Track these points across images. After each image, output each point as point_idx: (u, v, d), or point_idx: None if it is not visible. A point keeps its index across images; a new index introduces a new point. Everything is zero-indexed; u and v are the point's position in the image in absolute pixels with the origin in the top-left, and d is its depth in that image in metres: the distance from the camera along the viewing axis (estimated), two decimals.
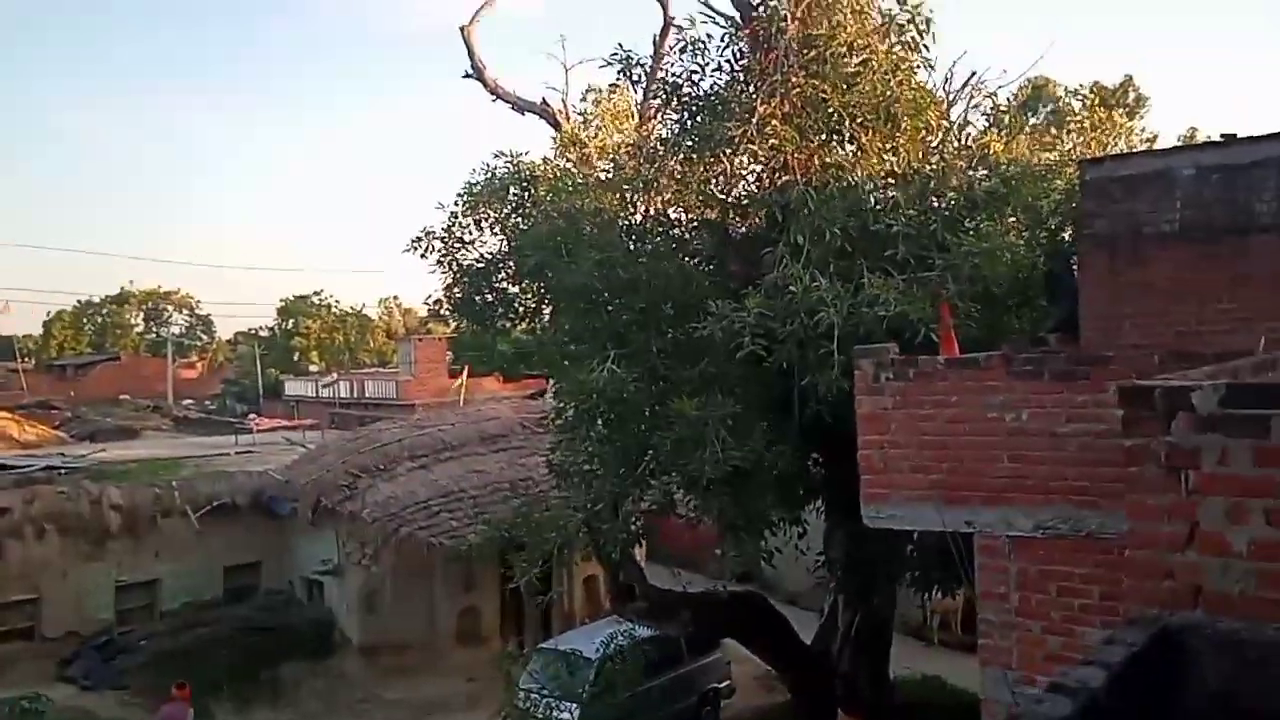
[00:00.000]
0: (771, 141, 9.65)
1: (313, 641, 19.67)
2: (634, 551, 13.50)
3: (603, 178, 11.60)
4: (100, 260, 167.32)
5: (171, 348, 74.33)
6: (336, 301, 79.50)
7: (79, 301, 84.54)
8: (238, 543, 20.88)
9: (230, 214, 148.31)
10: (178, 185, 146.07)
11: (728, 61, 10.30)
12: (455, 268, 13.38)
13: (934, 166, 10.17)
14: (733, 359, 9.08)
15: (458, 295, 13.56)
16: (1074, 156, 12.80)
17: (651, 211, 11.10)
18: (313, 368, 67.00)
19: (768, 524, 10.43)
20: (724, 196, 10.98)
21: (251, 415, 51.85)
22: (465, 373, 42.80)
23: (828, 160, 10.05)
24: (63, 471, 24.43)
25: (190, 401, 64.42)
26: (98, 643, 19.10)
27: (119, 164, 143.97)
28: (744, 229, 10.99)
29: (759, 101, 9.64)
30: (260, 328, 78.25)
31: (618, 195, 10.92)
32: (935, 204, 9.92)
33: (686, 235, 11.08)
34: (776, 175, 10.03)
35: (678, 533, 16.63)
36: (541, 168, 12.61)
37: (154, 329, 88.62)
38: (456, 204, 12.89)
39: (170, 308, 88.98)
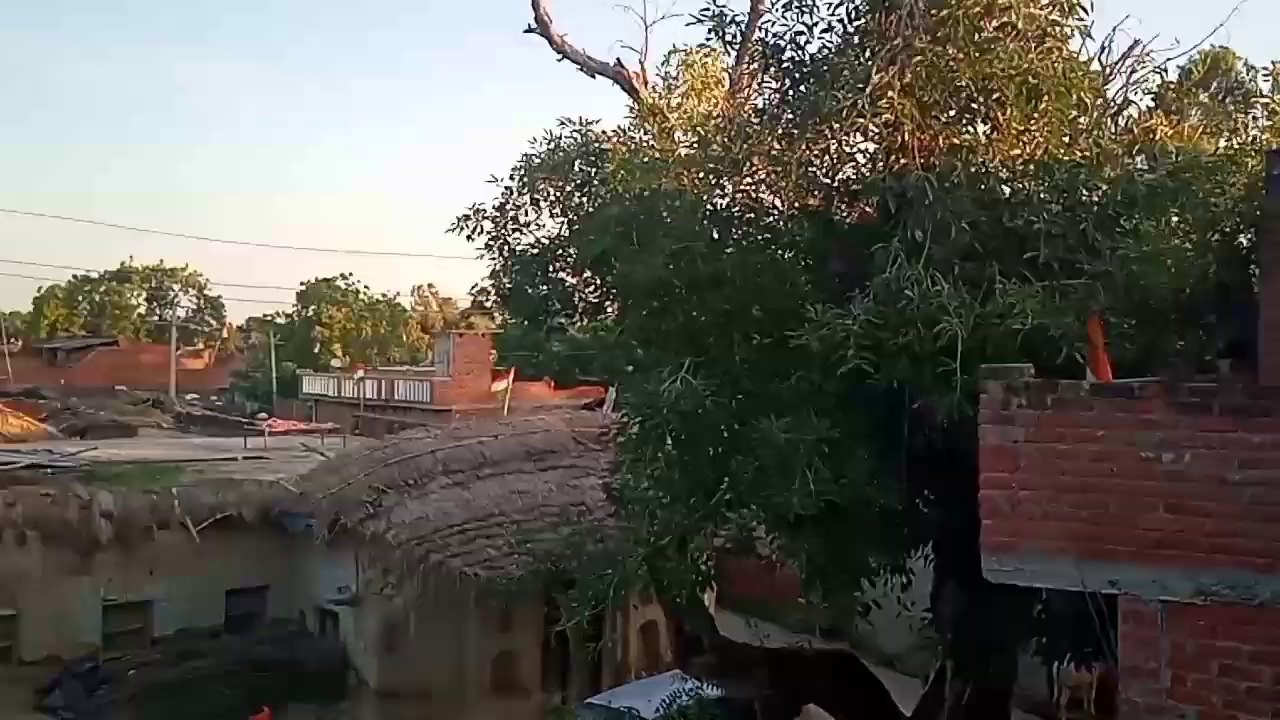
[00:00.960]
0: (886, 116, 9.57)
1: (323, 681, 20.00)
2: (703, 596, 13.49)
3: (685, 154, 11.62)
4: (100, 231, 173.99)
5: (176, 333, 76.26)
6: (365, 287, 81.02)
7: (74, 277, 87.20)
8: (243, 563, 21.32)
9: (249, 186, 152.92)
10: (192, 153, 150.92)
11: (840, 21, 10.22)
12: (506, 252, 13.53)
13: (1085, 153, 9.97)
14: (832, 374, 9.02)
15: (507, 285, 13.70)
16: (1259, 145, 12.46)
17: (741, 196, 11.10)
18: (335, 363, 68.20)
19: (865, 571, 10.34)
20: (829, 180, 10.90)
21: (263, 415, 52.97)
22: (511, 376, 43.23)
23: (955, 141, 9.92)
24: (50, 471, 25.11)
25: (195, 396, 66.02)
26: (81, 670, 19.61)
27: (127, 125, 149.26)
28: (851, 220, 10.91)
29: (874, 69, 9.56)
30: (277, 314, 79.94)
31: (702, 175, 10.94)
32: (1085, 198, 9.73)
33: (782, 225, 11.04)
34: (893, 157, 9.94)
35: (755, 576, 16.58)
36: (613, 139, 12.68)
37: (157, 311, 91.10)
38: (512, 178, 13.02)
39: (176, 287, 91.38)
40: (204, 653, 19.77)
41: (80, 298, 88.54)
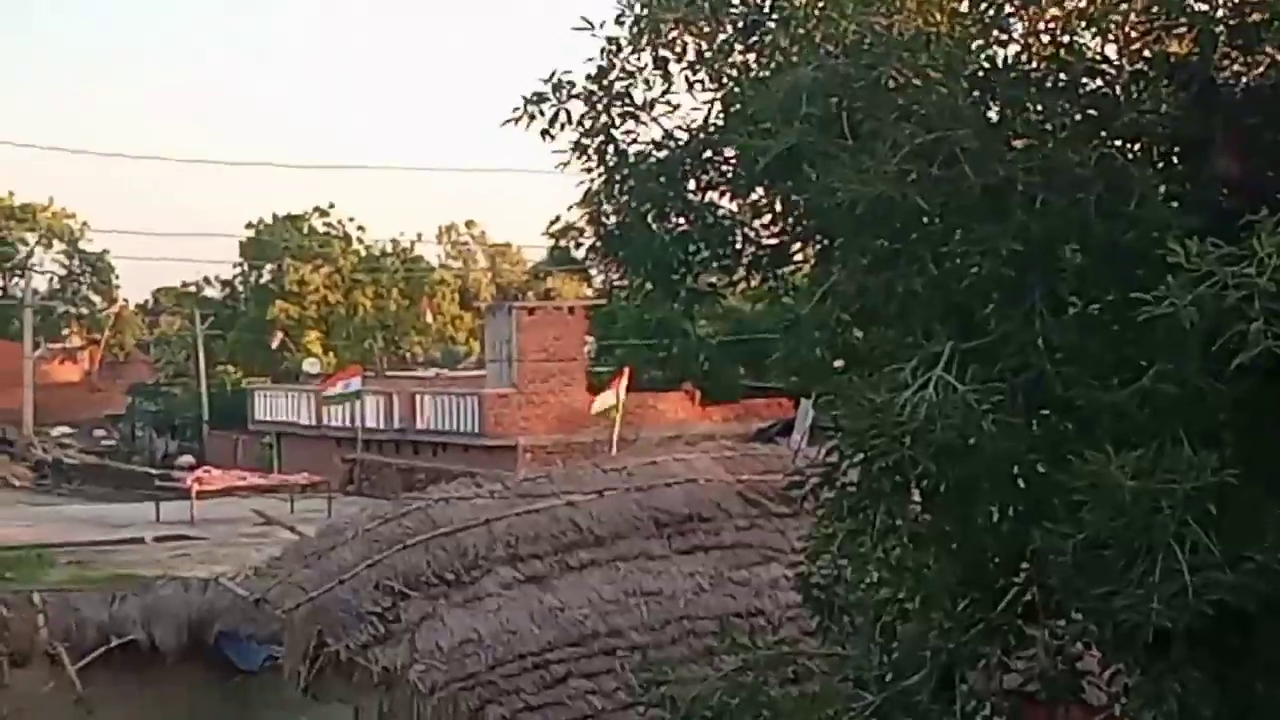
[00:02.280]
0: None
1: None
2: None
3: None
4: None
5: (31, 319, 78.41)
6: (359, 229, 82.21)
7: None
8: None
9: (150, 68, 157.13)
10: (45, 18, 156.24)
11: None
12: (611, 158, 13.59)
13: None
14: (1221, 369, 8.88)
15: (613, 216, 13.78)
16: None
17: (1041, 42, 11.01)
18: (310, 365, 69.29)
19: None
20: (1206, 7, 10.73)
21: (187, 460, 54.21)
22: (623, 381, 43.21)
23: None
24: None
25: (67, 429, 67.94)
26: None
27: None
28: (1251, 81, 10.72)
29: None
30: (207, 279, 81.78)
31: (968, 3, 10.85)
32: None
33: (1117, 93, 10.92)
34: None
35: None
36: None
37: None
38: (619, 23, 13.08)
39: (30, 238, 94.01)
40: None
41: None
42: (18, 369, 71.13)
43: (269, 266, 79.04)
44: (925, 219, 10.71)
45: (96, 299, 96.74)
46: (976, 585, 10.98)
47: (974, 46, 10.98)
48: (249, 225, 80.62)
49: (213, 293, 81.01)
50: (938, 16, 10.86)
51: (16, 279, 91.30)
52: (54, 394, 75.74)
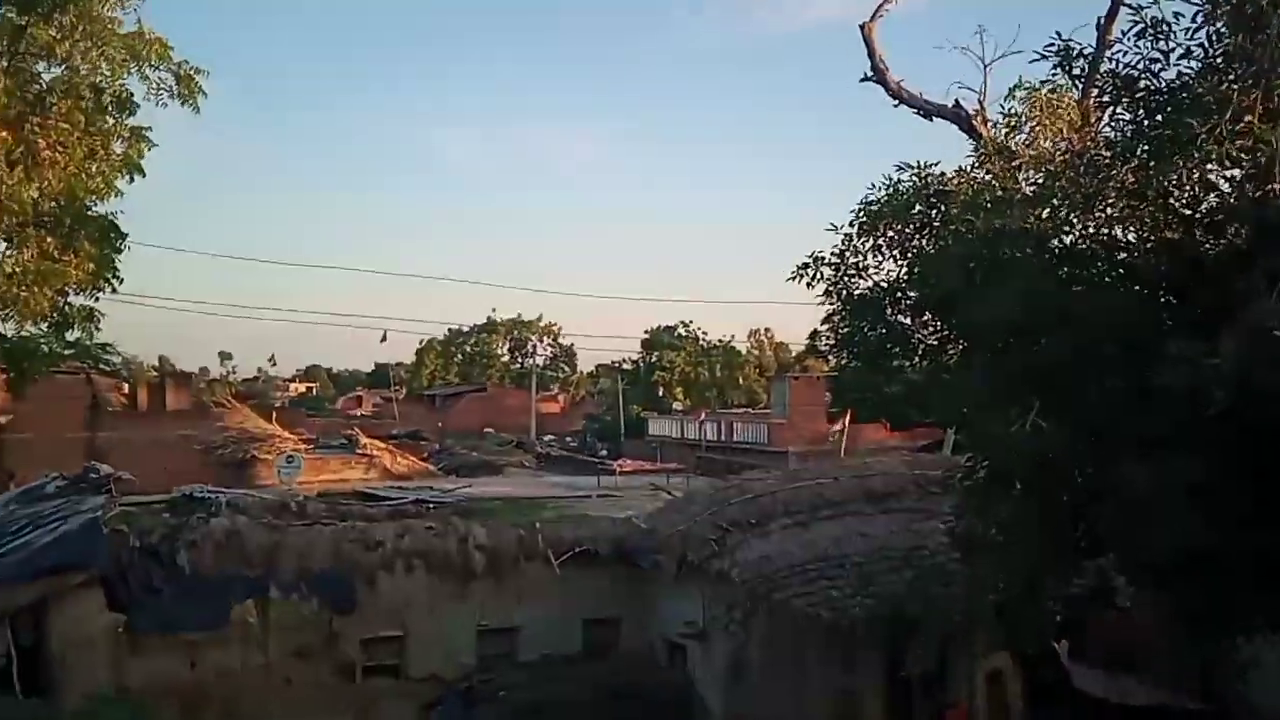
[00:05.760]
0: (1244, 141, 8.86)
1: (673, 710, 20.42)
2: (1056, 646, 12.81)
3: (1031, 191, 11.22)
4: (470, 290, 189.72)
5: (535, 380, 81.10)
6: (703, 333, 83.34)
7: (449, 330, 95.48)
8: (598, 595, 22.15)
9: (598, 241, 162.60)
10: (546, 212, 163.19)
11: (1200, 46, 9.54)
12: (844, 297, 13.49)
13: None
14: (1199, 415, 8.38)
15: (843, 328, 13.65)
16: None
17: (1092, 232, 10.57)
18: (676, 405, 70.12)
19: (1241, 627, 9.46)
20: (1189, 211, 10.22)
21: (604, 452, 55.41)
22: (847, 418, 42.82)
23: None
24: (431, 506, 27.26)
25: (552, 437, 69.84)
26: (460, 689, 21.06)
27: (490, 189, 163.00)
28: (1215, 251, 10.14)
29: (1236, 92, 8.87)
30: (623, 360, 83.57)
31: (1049, 212, 10.51)
32: None
33: (1137, 260, 10.41)
34: (1259, 183, 9.17)
35: (1115, 627, 15.48)
36: (954, 180, 12.44)
37: (518, 359, 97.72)
38: (851, 224, 13.02)
39: (534, 337, 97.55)
40: (565, 679, 20.62)
41: (454, 349, 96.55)
42: (527, 406, 73.76)
43: (656, 353, 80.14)
44: (1025, 330, 10.37)
45: (567, 369, 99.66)
46: (1052, 535, 10.50)
47: (1053, 235, 10.63)
48: (645, 331, 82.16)
49: (627, 366, 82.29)
50: (1032, 220, 10.55)
51: (526, 360, 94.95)
52: (545, 419, 78.08)
